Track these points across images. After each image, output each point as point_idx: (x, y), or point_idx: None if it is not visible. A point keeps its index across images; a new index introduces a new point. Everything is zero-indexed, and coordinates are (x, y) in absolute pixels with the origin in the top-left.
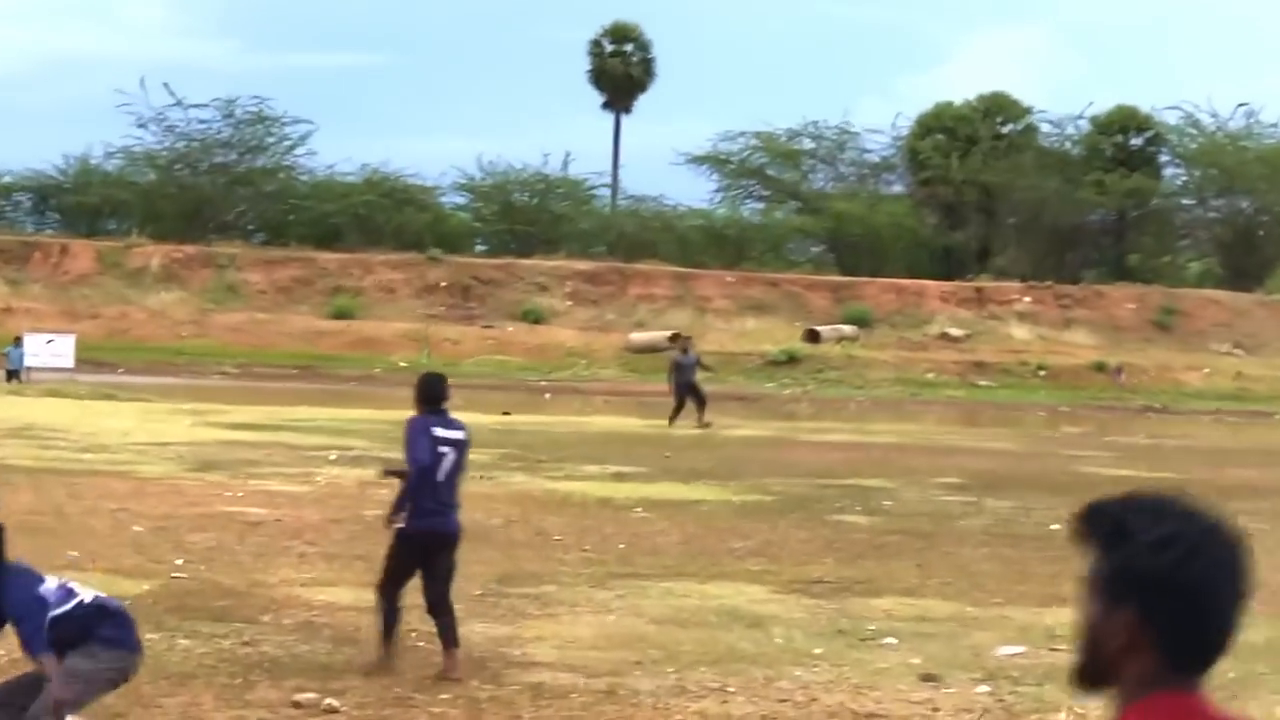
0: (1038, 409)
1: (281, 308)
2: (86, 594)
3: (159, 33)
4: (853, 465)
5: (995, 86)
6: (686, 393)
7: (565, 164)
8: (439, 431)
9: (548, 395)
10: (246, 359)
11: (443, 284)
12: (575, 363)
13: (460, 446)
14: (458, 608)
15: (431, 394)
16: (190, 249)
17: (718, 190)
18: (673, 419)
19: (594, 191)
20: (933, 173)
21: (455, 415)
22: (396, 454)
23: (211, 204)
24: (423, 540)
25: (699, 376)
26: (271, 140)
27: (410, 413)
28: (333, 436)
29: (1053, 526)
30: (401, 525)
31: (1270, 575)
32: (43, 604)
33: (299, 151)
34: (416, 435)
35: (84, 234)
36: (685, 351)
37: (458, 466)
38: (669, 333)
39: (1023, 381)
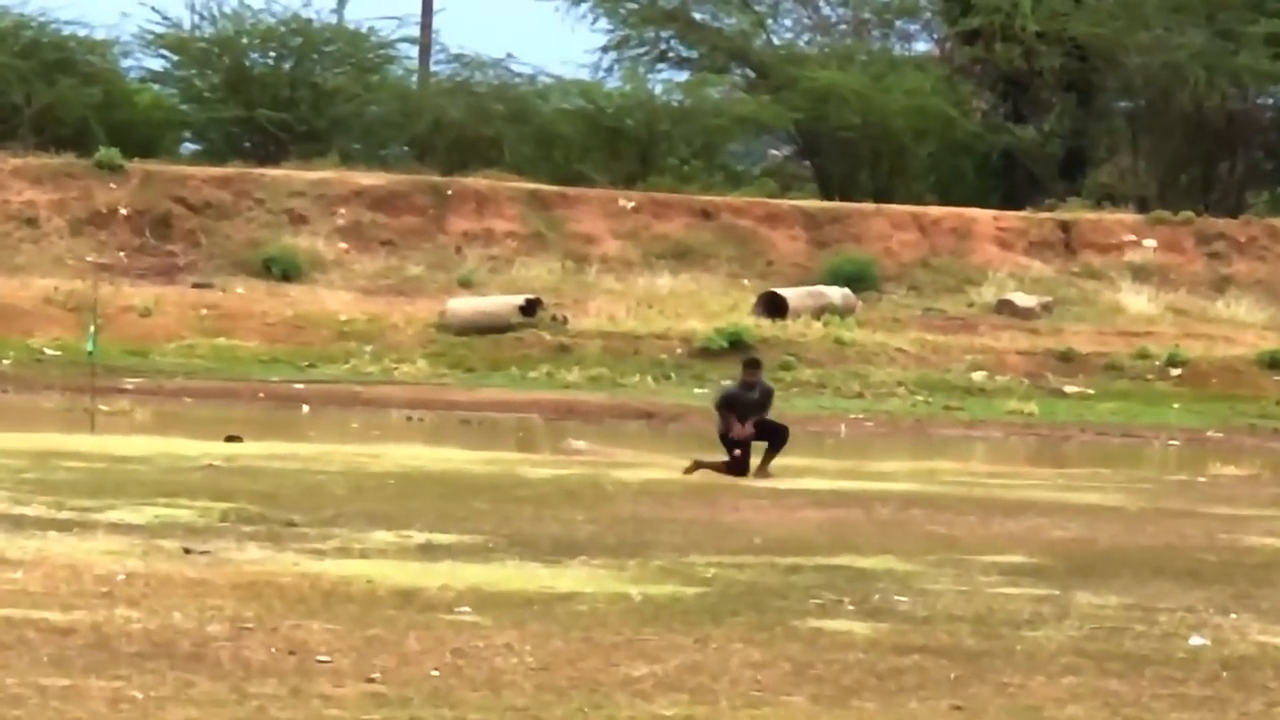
0: (1167, 434)
1: None
2: None
3: None
4: (843, 533)
5: None
6: (753, 435)
7: (341, 3)
8: None
9: (306, 407)
10: None
11: (123, 210)
12: (355, 351)
13: None
14: None
15: None
16: None
17: (607, 48)
18: (737, 469)
19: (390, 51)
20: (985, 20)
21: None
22: (42, 510)
23: None
24: None
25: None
26: None
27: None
28: None
29: (1193, 641)
30: None
31: None
32: None
33: None
34: None
35: None
36: (750, 385)
37: None
38: (522, 299)
39: (1142, 387)
